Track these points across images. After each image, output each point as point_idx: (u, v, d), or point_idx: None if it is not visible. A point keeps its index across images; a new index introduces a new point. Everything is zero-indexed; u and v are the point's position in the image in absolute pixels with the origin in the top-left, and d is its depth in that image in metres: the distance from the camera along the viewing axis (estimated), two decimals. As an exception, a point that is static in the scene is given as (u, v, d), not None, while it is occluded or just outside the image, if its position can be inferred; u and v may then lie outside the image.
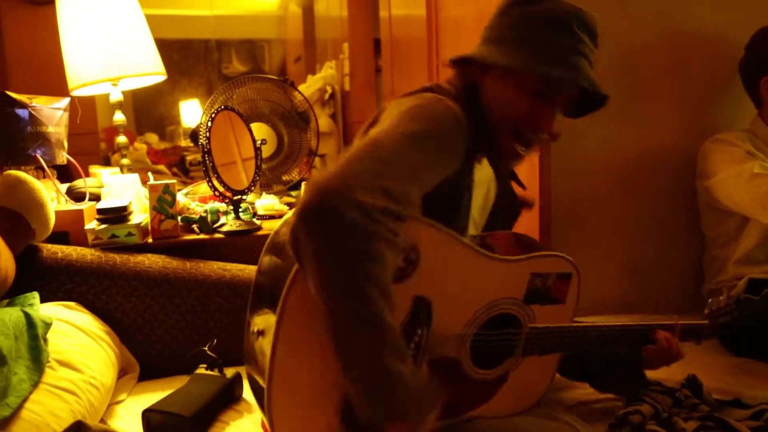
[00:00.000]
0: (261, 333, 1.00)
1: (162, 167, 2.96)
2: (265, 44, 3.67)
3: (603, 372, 1.31)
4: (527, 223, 1.82)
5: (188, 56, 3.47)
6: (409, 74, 2.74)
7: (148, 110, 3.37)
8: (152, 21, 2.22)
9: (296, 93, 2.27)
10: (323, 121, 3.46)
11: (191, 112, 3.37)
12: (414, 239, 0.95)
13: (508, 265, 1.08)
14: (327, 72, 3.68)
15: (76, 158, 1.97)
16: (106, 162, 2.67)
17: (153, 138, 3.27)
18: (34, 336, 1.35)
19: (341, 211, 0.82)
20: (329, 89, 3.59)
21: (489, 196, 1.23)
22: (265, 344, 0.96)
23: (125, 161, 2.23)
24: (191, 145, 3.21)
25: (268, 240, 1.10)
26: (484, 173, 1.18)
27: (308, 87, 3.60)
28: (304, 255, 0.85)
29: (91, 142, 2.58)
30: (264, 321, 1.02)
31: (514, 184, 1.31)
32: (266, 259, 1.08)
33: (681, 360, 1.56)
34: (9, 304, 1.45)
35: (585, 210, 1.85)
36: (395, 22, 2.90)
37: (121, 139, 2.22)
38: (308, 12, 4.34)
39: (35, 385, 1.28)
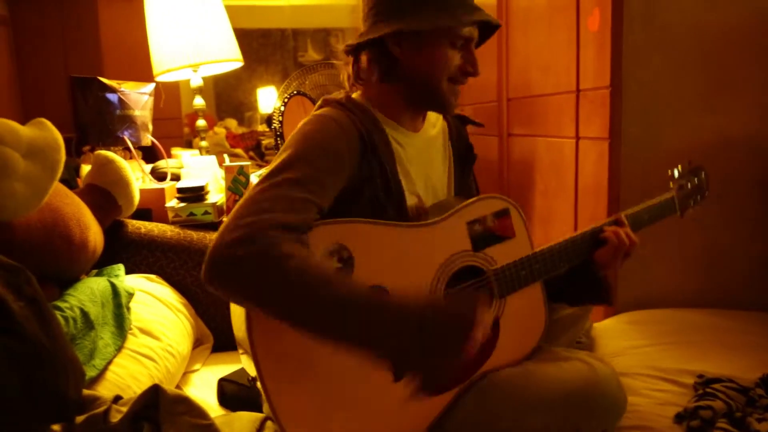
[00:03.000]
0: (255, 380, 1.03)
1: (239, 151, 3.06)
2: (339, 33, 3.71)
3: (567, 287, 1.28)
4: (594, 212, 1.79)
5: (266, 45, 3.55)
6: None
7: (228, 97, 3.48)
8: (234, 12, 2.31)
9: (367, 80, 2.30)
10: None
11: (268, 99, 3.46)
12: (338, 239, 0.97)
13: (441, 225, 1.10)
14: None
15: (161, 142, 2.08)
16: (189, 146, 2.78)
17: (232, 123, 3.37)
18: (119, 304, 1.45)
19: (232, 253, 0.86)
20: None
21: (434, 161, 1.24)
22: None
23: (204, 143, 2.33)
24: (267, 130, 3.31)
25: None
26: (415, 148, 1.20)
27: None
28: (241, 303, 0.92)
29: (175, 126, 2.71)
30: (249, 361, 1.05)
31: (471, 128, 1.34)
32: None
33: (756, 358, 1.49)
34: (98, 275, 1.56)
35: (658, 200, 1.78)
36: (468, 10, 2.88)
37: (200, 122, 2.32)
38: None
39: (119, 349, 1.38)
